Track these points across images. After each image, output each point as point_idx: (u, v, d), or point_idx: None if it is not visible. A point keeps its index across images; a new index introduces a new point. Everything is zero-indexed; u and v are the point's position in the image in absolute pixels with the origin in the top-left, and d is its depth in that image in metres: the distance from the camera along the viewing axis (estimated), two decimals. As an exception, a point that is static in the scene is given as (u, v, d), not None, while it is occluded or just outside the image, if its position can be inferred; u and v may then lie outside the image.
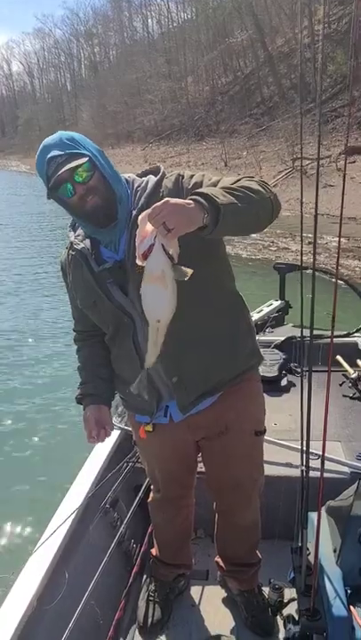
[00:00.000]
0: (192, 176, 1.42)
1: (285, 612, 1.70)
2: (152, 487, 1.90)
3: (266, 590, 1.91)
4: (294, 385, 2.93)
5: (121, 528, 2.00)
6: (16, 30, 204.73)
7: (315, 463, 1.56)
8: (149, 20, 55.42)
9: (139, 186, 1.45)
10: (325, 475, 1.66)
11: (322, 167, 17.94)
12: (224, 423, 1.59)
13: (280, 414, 2.54)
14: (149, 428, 1.59)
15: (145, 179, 1.46)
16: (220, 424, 1.60)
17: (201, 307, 1.44)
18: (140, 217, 1.13)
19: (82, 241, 1.49)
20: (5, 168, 54.32)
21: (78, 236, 1.51)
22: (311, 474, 1.60)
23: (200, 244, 1.27)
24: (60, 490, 2.07)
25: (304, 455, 1.57)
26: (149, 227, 1.09)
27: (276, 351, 3.09)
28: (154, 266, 1.09)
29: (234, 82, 33.99)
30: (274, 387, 2.85)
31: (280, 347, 3.17)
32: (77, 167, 1.31)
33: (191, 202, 1.14)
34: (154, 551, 2.01)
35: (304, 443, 1.56)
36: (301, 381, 1.67)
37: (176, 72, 40.69)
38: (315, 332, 1.73)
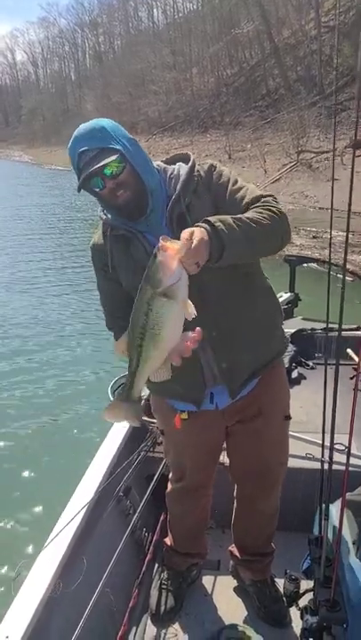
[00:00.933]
0: (222, 172, 1.46)
1: (300, 603, 1.70)
2: (171, 477, 1.88)
3: (279, 581, 1.91)
4: (305, 377, 2.93)
5: (134, 516, 1.99)
6: (20, 19, 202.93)
7: (336, 456, 1.56)
8: (155, 10, 54.97)
9: (172, 173, 1.46)
10: (342, 467, 1.66)
11: (326, 161, 17.84)
12: (258, 406, 1.60)
13: (291, 406, 2.54)
14: (185, 415, 1.59)
15: (175, 167, 1.48)
16: (254, 408, 1.60)
17: (242, 295, 1.49)
18: (169, 251, 1.13)
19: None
20: (8, 158, 54.15)
21: (117, 220, 1.48)
22: (331, 466, 1.59)
23: None
24: (73, 478, 2.06)
25: (326, 449, 1.56)
26: (176, 262, 1.14)
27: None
28: (184, 294, 1.15)
29: (239, 73, 33.74)
30: None
31: (290, 339, 3.15)
32: (106, 164, 1.31)
33: (205, 234, 1.18)
34: (168, 541, 2.01)
35: (326, 436, 1.56)
36: (325, 374, 1.65)
37: (181, 63, 40.41)
38: (330, 326, 1.72)
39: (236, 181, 1.45)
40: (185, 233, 1.17)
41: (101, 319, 1.66)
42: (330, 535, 1.57)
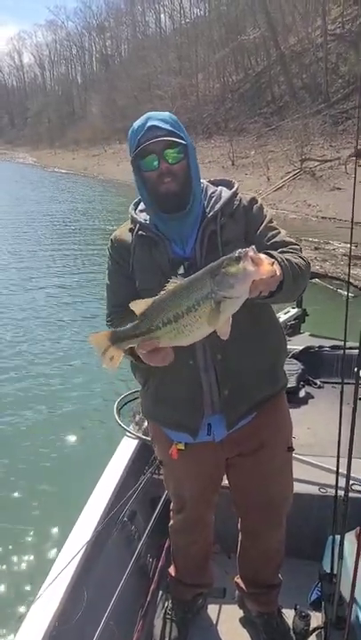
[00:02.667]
0: (263, 208, 1.50)
1: None
2: (172, 508, 1.84)
3: (287, 612, 1.86)
4: (312, 397, 2.87)
5: (139, 543, 1.95)
6: (28, 22, 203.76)
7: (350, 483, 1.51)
8: (162, 16, 55.17)
9: (213, 193, 1.49)
10: (351, 495, 1.61)
11: (330, 169, 17.80)
12: (259, 439, 1.56)
13: (298, 428, 2.48)
14: (181, 446, 1.55)
15: (218, 188, 1.51)
16: (256, 440, 1.56)
17: (252, 325, 1.46)
18: (260, 266, 1.07)
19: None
20: (13, 159, 54.26)
21: (146, 220, 1.49)
22: (340, 494, 1.55)
23: None
24: (77, 501, 2.03)
25: (340, 477, 1.51)
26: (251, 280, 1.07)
27: (294, 361, 3.01)
28: (232, 313, 1.11)
29: (245, 80, 33.80)
30: (291, 398, 2.78)
31: (297, 356, 3.10)
32: (172, 144, 1.34)
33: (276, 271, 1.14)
34: (172, 571, 1.96)
35: (340, 463, 1.51)
36: (341, 395, 1.61)
37: (187, 68, 40.49)
38: (337, 343, 1.69)
39: (272, 220, 1.48)
40: (267, 259, 1.10)
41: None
42: (343, 570, 1.52)
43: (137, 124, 1.38)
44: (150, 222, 1.47)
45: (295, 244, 1.45)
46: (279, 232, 1.46)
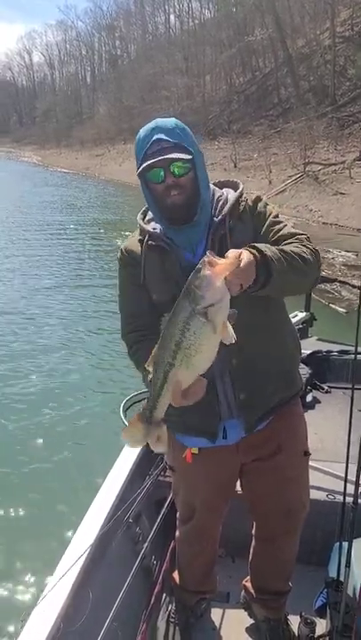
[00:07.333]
0: (267, 204, 1.50)
1: None
2: (179, 517, 1.82)
3: (292, 619, 1.85)
4: (319, 402, 2.86)
5: (145, 545, 1.95)
6: (38, 21, 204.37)
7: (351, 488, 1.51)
8: (171, 16, 55.18)
9: (220, 196, 1.49)
10: (360, 501, 1.60)
11: (334, 173, 17.66)
12: (277, 442, 1.55)
13: None
14: (195, 450, 1.53)
15: (224, 191, 1.51)
16: (273, 444, 1.56)
17: (267, 329, 1.47)
18: (216, 268, 1.08)
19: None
20: (18, 158, 54.33)
21: (155, 229, 1.48)
22: (349, 501, 1.54)
23: None
24: (82, 502, 2.03)
25: (350, 483, 1.50)
26: (221, 280, 1.09)
27: (302, 365, 3.00)
28: (224, 316, 1.10)
29: (251, 81, 33.77)
30: None
31: (305, 361, 3.08)
32: (178, 160, 1.32)
33: (252, 257, 1.16)
34: (176, 577, 1.95)
35: (349, 470, 1.50)
36: (352, 401, 1.60)
37: (194, 69, 40.49)
38: (345, 348, 1.68)
39: (277, 216, 1.48)
40: (232, 252, 1.12)
41: (113, 337, 1.61)
42: (350, 579, 1.51)
43: (143, 133, 1.36)
44: (160, 231, 1.46)
45: (301, 234, 1.43)
46: (285, 225, 1.45)
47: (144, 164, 1.33)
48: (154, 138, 1.32)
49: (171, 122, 1.36)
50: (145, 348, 1.40)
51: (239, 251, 1.14)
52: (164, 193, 1.36)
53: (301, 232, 1.45)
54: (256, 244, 1.23)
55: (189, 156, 1.33)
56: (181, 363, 1.12)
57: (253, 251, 1.19)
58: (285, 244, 1.36)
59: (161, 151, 1.31)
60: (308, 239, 1.44)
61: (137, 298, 1.51)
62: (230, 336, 1.12)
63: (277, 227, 1.44)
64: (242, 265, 1.11)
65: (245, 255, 1.14)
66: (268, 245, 1.27)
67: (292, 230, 1.44)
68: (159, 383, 1.17)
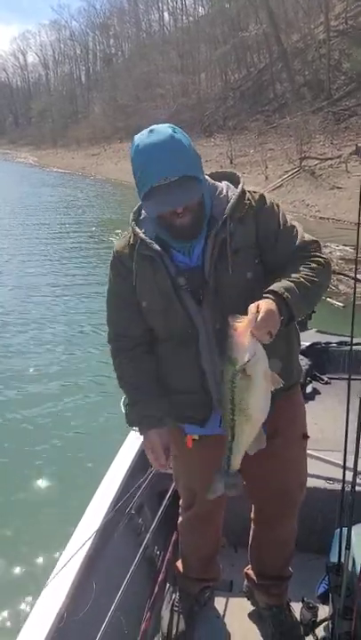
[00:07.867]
0: (273, 206, 1.44)
1: (317, 631, 1.65)
2: (182, 504, 1.84)
3: (295, 606, 1.87)
4: (319, 392, 2.88)
5: (147, 536, 1.96)
6: (32, 21, 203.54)
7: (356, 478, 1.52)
8: (165, 14, 55.08)
9: (220, 193, 1.42)
10: (358, 488, 1.62)
11: (330, 168, 17.63)
12: (274, 427, 1.56)
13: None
14: (196, 436, 1.57)
15: (223, 186, 1.44)
16: (270, 428, 1.55)
17: None
18: (239, 328, 1.20)
19: (152, 239, 1.42)
20: (13, 159, 54.24)
21: (146, 232, 1.43)
22: (347, 487, 1.55)
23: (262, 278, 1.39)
24: (84, 494, 2.04)
25: (348, 470, 1.52)
26: (248, 337, 1.20)
27: (301, 357, 3.01)
28: (264, 366, 1.23)
29: (247, 77, 33.74)
30: None
31: (304, 352, 3.09)
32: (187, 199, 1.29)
33: (272, 304, 1.23)
34: (180, 565, 1.97)
35: (349, 456, 1.52)
36: (349, 391, 1.61)
37: (189, 66, 40.44)
38: (344, 339, 1.69)
39: (286, 220, 1.43)
40: (252, 307, 1.21)
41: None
42: (350, 562, 1.52)
43: (142, 166, 1.27)
44: (153, 234, 1.41)
45: (312, 243, 1.42)
46: (296, 230, 1.42)
47: (151, 196, 1.27)
48: (158, 177, 1.25)
49: (165, 145, 1.25)
50: (130, 367, 1.57)
51: (257, 303, 1.22)
52: (172, 217, 1.32)
53: (312, 241, 1.43)
54: (275, 288, 1.27)
55: (198, 185, 1.28)
56: (240, 417, 1.28)
57: (271, 296, 1.25)
58: (297, 261, 1.37)
59: (169, 190, 1.25)
60: (320, 247, 1.43)
61: (124, 309, 1.51)
62: (277, 382, 1.25)
63: (286, 239, 1.40)
64: (262, 315, 1.19)
65: (264, 306, 1.21)
66: (284, 284, 1.29)
67: (303, 241, 1.41)
68: (229, 438, 1.33)
